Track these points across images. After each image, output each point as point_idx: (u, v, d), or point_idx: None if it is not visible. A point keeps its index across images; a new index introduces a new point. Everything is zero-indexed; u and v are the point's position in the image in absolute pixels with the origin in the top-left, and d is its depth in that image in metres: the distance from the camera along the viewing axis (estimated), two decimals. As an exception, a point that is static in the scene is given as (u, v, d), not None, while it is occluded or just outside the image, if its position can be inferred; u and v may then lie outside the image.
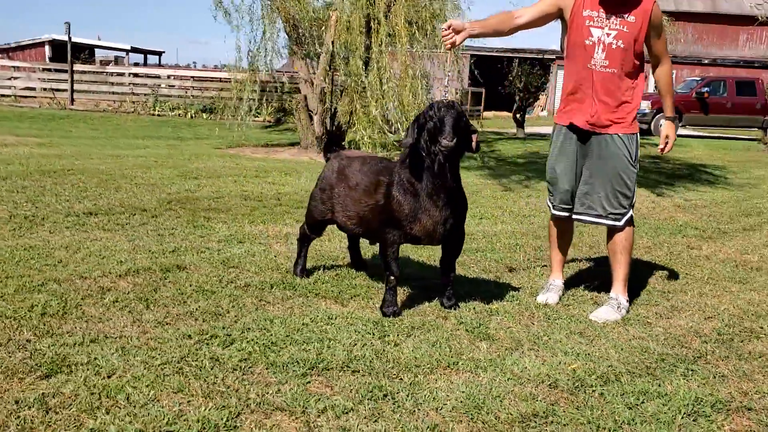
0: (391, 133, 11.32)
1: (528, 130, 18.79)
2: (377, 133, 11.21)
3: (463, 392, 2.70)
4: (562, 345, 3.25)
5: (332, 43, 12.07)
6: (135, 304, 3.55)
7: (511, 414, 2.54)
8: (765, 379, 2.98)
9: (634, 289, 4.22)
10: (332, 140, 4.20)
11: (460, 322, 3.49)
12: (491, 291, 4.03)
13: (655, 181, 9.75)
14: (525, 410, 2.58)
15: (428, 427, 2.43)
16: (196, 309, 3.51)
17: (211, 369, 2.81)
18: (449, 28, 3.49)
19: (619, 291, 3.79)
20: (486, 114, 24.46)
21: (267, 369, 2.84)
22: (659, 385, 2.85)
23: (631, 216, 3.75)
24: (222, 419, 2.41)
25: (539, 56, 26.50)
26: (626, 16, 3.58)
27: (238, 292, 3.81)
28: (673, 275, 4.64)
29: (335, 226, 4.12)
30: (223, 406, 2.50)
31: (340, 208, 3.85)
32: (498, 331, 3.39)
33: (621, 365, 3.05)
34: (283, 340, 3.14)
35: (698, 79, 22.66)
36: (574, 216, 3.84)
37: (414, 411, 2.54)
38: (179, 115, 19.59)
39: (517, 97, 18.12)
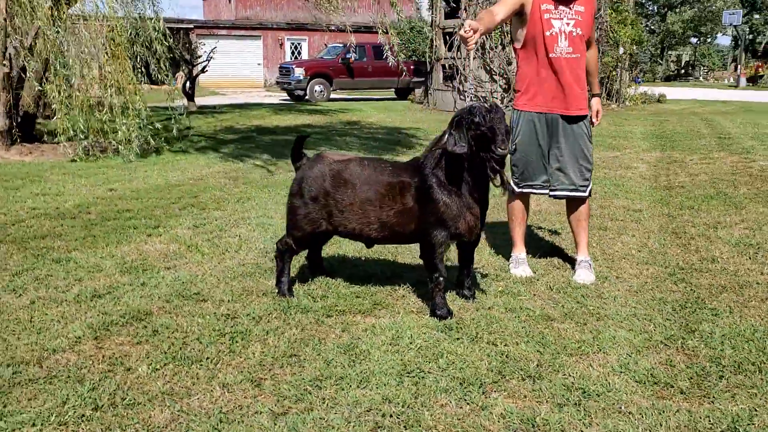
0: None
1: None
2: (87, 121, 9.97)
3: (622, 376, 2.86)
4: (612, 312, 3.57)
5: (5, 19, 10.31)
6: (177, 367, 2.94)
7: (686, 382, 2.81)
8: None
9: (559, 250, 4.75)
10: (299, 145, 3.81)
11: (508, 309, 3.61)
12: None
13: (383, 147, 10.50)
14: (690, 375, 2.87)
15: (655, 410, 2.59)
16: (255, 354, 3.06)
17: (406, 410, 2.55)
18: (470, 28, 3.49)
19: (585, 253, 4.25)
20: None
21: (441, 394, 2.70)
22: (730, 329, 3.34)
23: (591, 186, 4.21)
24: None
25: (181, 26, 25.73)
26: (577, 6, 3.97)
27: (262, 327, 3.37)
28: (557, 233, 5.27)
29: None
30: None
31: (349, 214, 3.60)
32: (548, 311, 3.59)
33: (678, 319, 3.48)
34: (400, 363, 2.97)
35: (341, 45, 23.83)
36: (551, 193, 4.17)
37: (613, 402, 2.66)
38: None
39: (186, 70, 17.51)
